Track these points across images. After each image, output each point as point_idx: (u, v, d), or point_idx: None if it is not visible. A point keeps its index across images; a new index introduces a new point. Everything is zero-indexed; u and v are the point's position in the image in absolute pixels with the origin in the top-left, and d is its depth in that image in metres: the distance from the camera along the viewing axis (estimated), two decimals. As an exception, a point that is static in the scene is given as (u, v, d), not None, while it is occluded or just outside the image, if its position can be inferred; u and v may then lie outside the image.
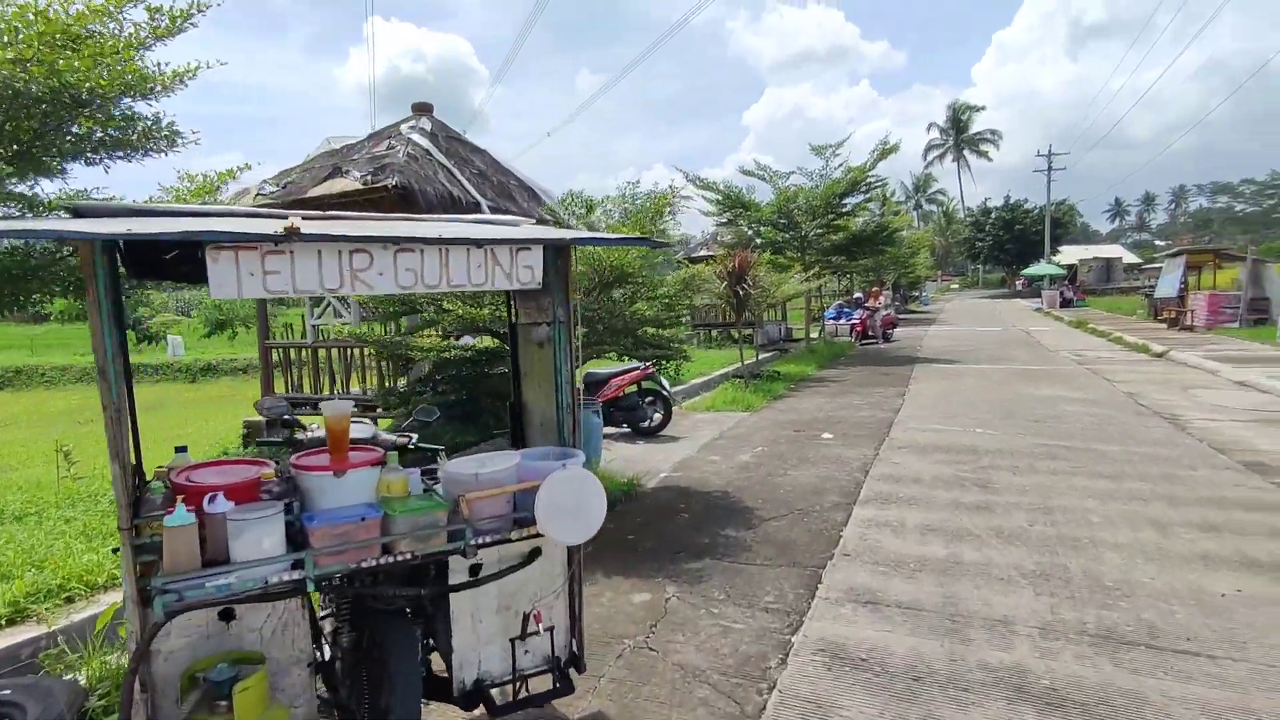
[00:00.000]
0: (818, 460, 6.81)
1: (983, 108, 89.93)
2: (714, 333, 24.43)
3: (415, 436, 3.27)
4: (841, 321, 22.23)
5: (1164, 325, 20.71)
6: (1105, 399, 9.51)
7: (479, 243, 2.02)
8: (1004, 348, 17.40)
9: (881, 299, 22.42)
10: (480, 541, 2.17)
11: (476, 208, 8.10)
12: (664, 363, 6.74)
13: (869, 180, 16.01)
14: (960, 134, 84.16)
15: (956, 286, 79.97)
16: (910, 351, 17.51)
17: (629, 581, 4.13)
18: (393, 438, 3.22)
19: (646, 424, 8.66)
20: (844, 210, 16.89)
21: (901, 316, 33.71)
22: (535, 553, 2.44)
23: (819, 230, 17.30)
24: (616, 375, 8.64)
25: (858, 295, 24.68)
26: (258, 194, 8.09)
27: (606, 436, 8.54)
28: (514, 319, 2.82)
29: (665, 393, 8.82)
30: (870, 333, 20.81)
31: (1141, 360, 13.99)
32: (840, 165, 16.26)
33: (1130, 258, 72.24)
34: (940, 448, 7.03)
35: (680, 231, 14.47)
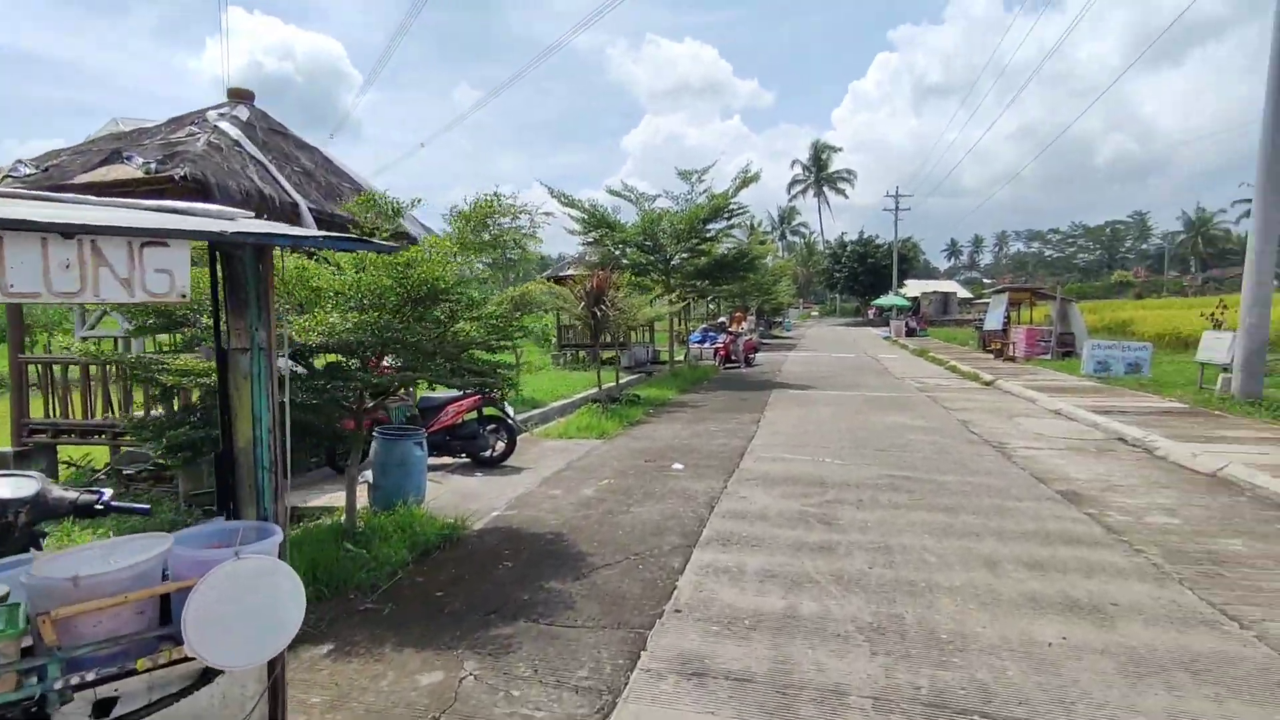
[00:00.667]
0: (664, 495, 6.40)
1: (840, 149, 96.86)
2: (581, 354, 23.96)
3: (108, 492, 2.45)
4: (706, 345, 22.48)
5: (991, 355, 22.59)
6: (944, 427, 9.88)
7: (67, 231, 1.34)
8: (857, 374, 18.16)
9: (745, 324, 22.92)
10: (81, 680, 1.46)
11: (294, 209, 7.12)
12: (502, 390, 6.08)
13: (732, 207, 16.22)
14: (820, 171, 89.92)
15: (816, 314, 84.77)
16: (770, 376, 17.86)
17: (421, 656, 3.44)
18: (74, 494, 2.39)
19: (488, 453, 7.95)
20: (708, 235, 17.02)
21: (765, 341, 34.91)
22: (213, 671, 1.74)
23: (684, 254, 17.33)
24: (454, 401, 7.88)
25: (722, 320, 25.17)
26: (7, 175, 6.65)
27: (442, 468, 7.75)
28: (223, 343, 2.11)
29: (509, 420, 8.15)
30: (733, 357, 21.13)
31: (974, 389, 14.97)
32: (705, 191, 16.41)
33: (963, 293, 79.69)
34: (789, 479, 6.85)
35: (539, 250, 13.82)
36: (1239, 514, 5.64)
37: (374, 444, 5.87)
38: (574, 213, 16.47)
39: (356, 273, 4.33)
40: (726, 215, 16.43)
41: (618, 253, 17.32)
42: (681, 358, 21.25)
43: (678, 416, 11.25)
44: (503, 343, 5.26)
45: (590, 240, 17.73)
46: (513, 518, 5.86)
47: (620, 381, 13.58)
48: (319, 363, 4.93)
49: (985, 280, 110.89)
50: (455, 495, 6.61)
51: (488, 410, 8.09)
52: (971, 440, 8.91)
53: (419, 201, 5.47)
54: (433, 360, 4.42)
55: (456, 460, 8.04)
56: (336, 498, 6.00)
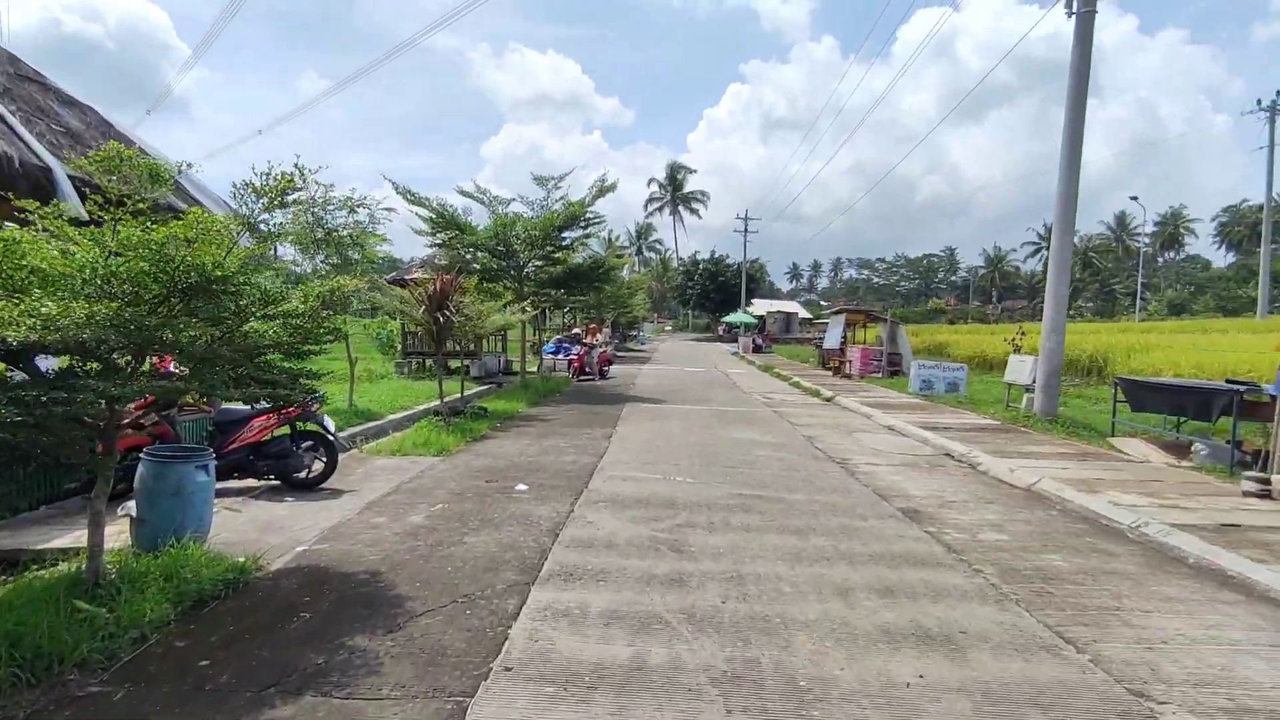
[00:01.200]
0: (504, 521, 5.77)
1: (695, 170, 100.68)
2: (428, 362, 22.54)
3: None
4: (560, 357, 21.94)
5: (830, 373, 23.95)
6: (790, 443, 10.01)
7: None
8: (707, 389, 18.40)
9: (599, 336, 22.65)
10: None
11: (45, 174, 5.75)
12: (300, 402, 5.13)
13: (588, 216, 15.87)
14: (676, 191, 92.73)
15: (670, 328, 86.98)
16: (624, 390, 17.63)
17: (157, 761, 2.60)
18: None
19: (302, 475, 6.88)
20: (563, 244, 16.55)
21: (620, 354, 34.97)
22: None
23: (538, 262, 16.73)
24: (260, 414, 6.75)
25: (577, 331, 24.79)
26: None
27: (244, 493, 6.59)
28: None
29: (330, 435, 7.14)
30: (587, 369, 20.75)
31: (816, 404, 15.59)
32: (561, 198, 15.93)
33: (804, 313, 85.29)
34: (640, 501, 6.46)
35: (387, 250, 12.82)
36: (1055, 528, 5.96)
37: (140, 468, 4.76)
38: (421, 211, 15.38)
39: (103, 253, 3.36)
40: (583, 224, 16.06)
41: (469, 256, 16.38)
42: (534, 369, 20.56)
43: (526, 431, 10.59)
44: (308, 347, 4.39)
45: (439, 243, 16.64)
46: (321, 553, 4.97)
47: (467, 393, 12.70)
48: (61, 364, 3.85)
49: (822, 302, 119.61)
50: (253, 527, 5.57)
51: (305, 425, 7.03)
52: (817, 456, 9.04)
53: (188, 166, 4.47)
54: (211, 367, 3.52)
55: (265, 483, 6.90)
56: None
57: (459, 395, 12.13)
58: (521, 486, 6.94)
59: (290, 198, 4.16)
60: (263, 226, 4.19)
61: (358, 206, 12.20)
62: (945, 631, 3.83)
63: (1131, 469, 8.01)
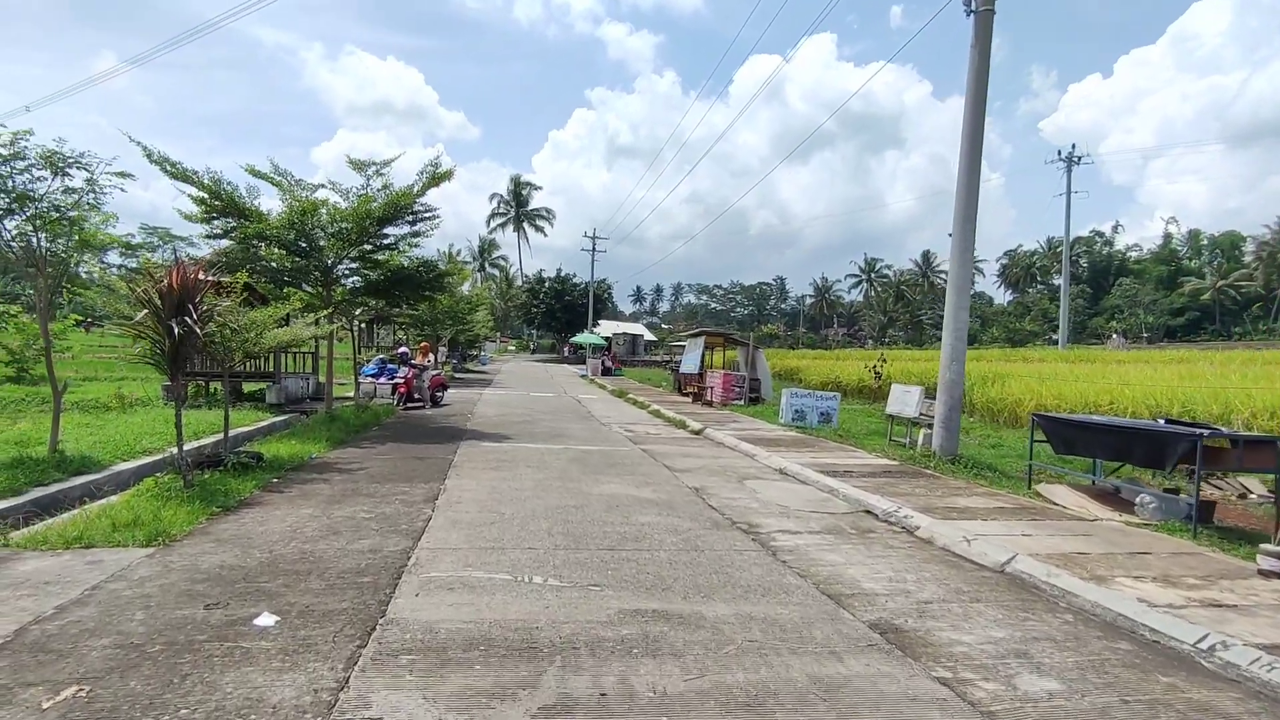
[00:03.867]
0: (198, 712, 2.92)
1: (541, 187, 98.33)
2: (214, 386, 18.11)
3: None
4: (382, 380, 18.41)
5: (689, 399, 22.34)
6: (676, 500, 7.77)
7: None
8: (559, 419, 15.87)
9: (430, 357, 19.31)
10: None
11: None
12: None
13: (417, 209, 12.86)
14: (520, 207, 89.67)
15: (513, 349, 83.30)
16: (460, 421, 14.64)
17: None
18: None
19: None
20: (386, 242, 13.36)
21: (459, 375, 31.42)
22: None
23: (351, 263, 13.40)
24: None
25: (404, 350, 21.21)
26: None
27: None
28: None
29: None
30: (416, 396, 17.46)
31: (685, 438, 13.60)
32: (384, 188, 12.77)
33: (649, 335, 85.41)
34: (475, 642, 3.82)
35: (115, 230, 9.04)
36: (1101, 656, 4.13)
37: None
38: (189, 190, 11.56)
39: None
40: (410, 218, 13.00)
41: (260, 254, 12.68)
42: (351, 395, 16.92)
43: (314, 490, 7.46)
44: None
45: (218, 233, 12.75)
46: None
47: (244, 428, 9.26)
48: None
49: (664, 325, 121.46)
50: None
51: None
52: (716, 522, 6.85)
53: None
54: None
55: None
56: None
57: (221, 435, 8.65)
58: (266, 619, 4.01)
59: None
60: None
61: (69, 166, 8.49)
62: None
63: (1096, 533, 6.59)
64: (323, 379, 17.12)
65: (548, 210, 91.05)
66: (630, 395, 23.72)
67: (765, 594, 4.83)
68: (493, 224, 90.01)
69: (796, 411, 15.46)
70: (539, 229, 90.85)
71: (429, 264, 13.40)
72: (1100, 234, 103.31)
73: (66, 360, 21.22)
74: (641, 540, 6.04)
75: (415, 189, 12.52)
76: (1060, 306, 39.77)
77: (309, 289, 13.50)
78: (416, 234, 13.36)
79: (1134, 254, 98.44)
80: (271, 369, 17.34)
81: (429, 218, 13.07)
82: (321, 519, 6.29)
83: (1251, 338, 62.91)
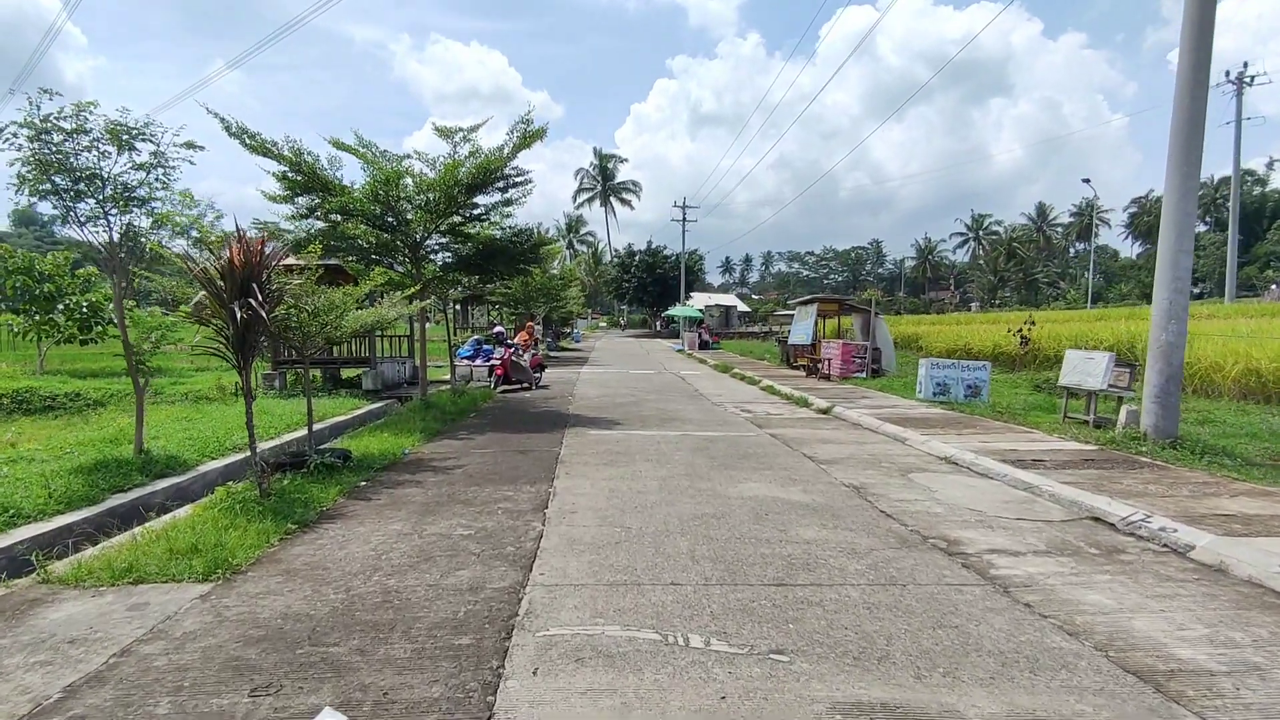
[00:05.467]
0: None
1: (626, 159, 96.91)
2: (315, 373, 17.93)
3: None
4: (479, 363, 17.65)
5: (802, 373, 20.51)
6: (837, 504, 6.22)
7: None
8: (667, 399, 14.52)
9: (533, 334, 18.28)
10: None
11: None
12: None
13: (508, 173, 11.69)
14: (606, 180, 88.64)
15: (604, 324, 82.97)
16: (561, 404, 13.56)
17: None
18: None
19: None
20: (476, 213, 12.30)
21: (553, 355, 30.71)
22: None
23: (441, 237, 12.44)
24: None
25: (500, 330, 20.41)
26: None
27: None
28: None
29: None
30: (514, 377, 16.56)
31: (813, 418, 11.93)
32: (472, 154, 11.65)
33: (742, 306, 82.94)
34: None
35: (202, 215, 8.17)
36: None
37: None
38: (271, 166, 10.84)
39: None
40: (501, 184, 11.85)
41: (345, 231, 11.90)
42: (447, 378, 16.24)
43: (406, 496, 6.41)
44: None
45: (303, 213, 12.05)
46: None
47: (339, 418, 8.45)
48: None
49: (754, 295, 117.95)
50: None
51: None
52: (902, 538, 5.27)
53: None
54: None
55: None
56: None
57: (306, 429, 7.78)
58: (329, 716, 2.83)
59: None
60: None
61: (134, 137, 7.72)
62: None
63: None
64: (421, 361, 16.53)
65: (634, 183, 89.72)
66: (736, 370, 22.11)
67: (1034, 669, 3.25)
68: (579, 200, 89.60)
69: (938, 384, 13.44)
70: (626, 202, 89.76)
71: (523, 233, 12.24)
72: (1251, 173, 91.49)
73: (179, 351, 21.69)
74: (815, 568, 4.56)
75: (505, 151, 11.33)
76: (1228, 253, 34.70)
77: (399, 268, 12.67)
78: (509, 202, 12.22)
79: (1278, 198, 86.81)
80: (367, 354, 16.89)
81: (521, 183, 11.88)
82: (412, 537, 5.16)
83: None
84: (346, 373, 17.78)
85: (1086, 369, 10.32)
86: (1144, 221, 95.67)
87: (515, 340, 17.93)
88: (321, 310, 6.89)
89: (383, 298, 8.89)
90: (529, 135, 11.34)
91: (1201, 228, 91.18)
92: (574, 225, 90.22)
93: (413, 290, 10.17)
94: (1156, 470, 7.19)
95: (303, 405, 12.60)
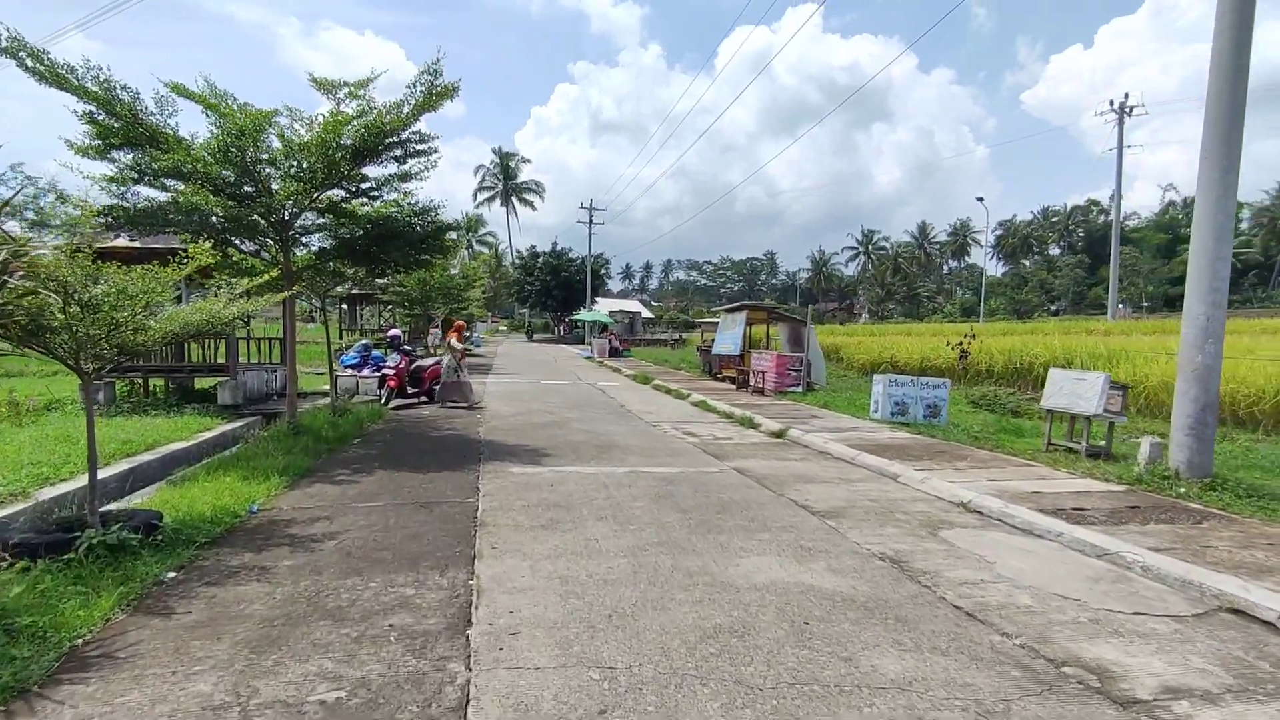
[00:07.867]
0: None
1: (529, 160, 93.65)
2: (154, 383, 14.62)
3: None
4: (366, 373, 14.82)
5: (730, 386, 18.98)
6: (888, 594, 4.40)
7: None
8: (592, 418, 12.44)
9: (451, 339, 15.31)
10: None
11: None
12: None
13: (409, 138, 9.27)
14: (509, 180, 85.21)
15: (505, 329, 79.42)
16: (468, 425, 11.20)
17: None
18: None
19: None
20: (365, 186, 9.76)
21: (451, 361, 27.74)
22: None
23: (319, 217, 9.81)
24: None
25: (394, 332, 17.48)
26: None
27: None
28: None
29: None
30: (450, 398, 13.94)
31: (770, 445, 10.22)
32: (361, 113, 9.11)
33: (646, 313, 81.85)
34: None
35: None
36: None
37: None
38: (74, 103, 7.89)
39: None
40: (398, 153, 9.40)
41: (186, 200, 8.99)
42: (326, 388, 13.41)
43: (236, 605, 4.01)
44: None
45: (128, 174, 9.04)
46: None
47: (175, 446, 5.80)
48: None
49: (655, 303, 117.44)
50: None
51: None
52: (1024, 666, 3.50)
53: None
54: None
55: None
56: None
57: (130, 464, 5.13)
58: None
59: None
60: None
61: None
62: None
63: None
64: (302, 367, 13.50)
65: (537, 183, 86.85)
66: (657, 381, 20.30)
67: None
68: (479, 198, 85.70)
69: (897, 404, 12.13)
70: (528, 203, 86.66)
71: (426, 212, 9.77)
72: (1096, 203, 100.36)
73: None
74: (949, 758, 2.67)
75: (405, 110, 8.91)
76: (1110, 276, 36.56)
77: (265, 255, 9.91)
78: (407, 175, 9.76)
79: (1131, 222, 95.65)
80: (224, 359, 13.76)
81: (424, 151, 9.45)
82: (231, 714, 2.85)
83: (1251, 305, 60.21)
84: (201, 382, 14.52)
85: (1076, 390, 9.19)
86: (1009, 243, 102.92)
87: (448, 341, 14.99)
88: (106, 303, 4.36)
89: (224, 287, 6.30)
90: (436, 92, 8.96)
91: (1055, 250, 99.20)
92: (473, 225, 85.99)
93: (267, 278, 7.56)
94: (1224, 521, 5.89)
95: (140, 424, 9.62)
